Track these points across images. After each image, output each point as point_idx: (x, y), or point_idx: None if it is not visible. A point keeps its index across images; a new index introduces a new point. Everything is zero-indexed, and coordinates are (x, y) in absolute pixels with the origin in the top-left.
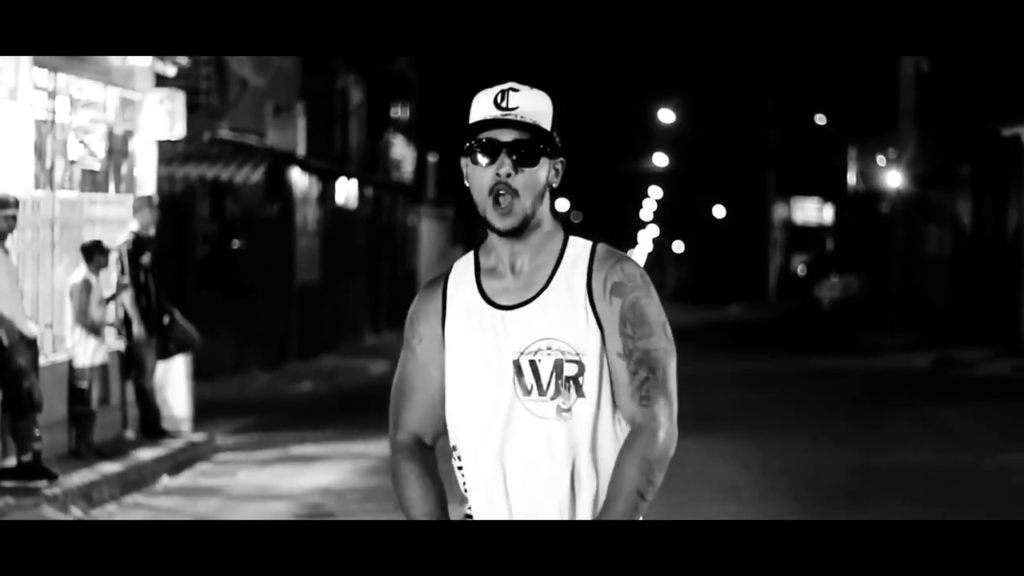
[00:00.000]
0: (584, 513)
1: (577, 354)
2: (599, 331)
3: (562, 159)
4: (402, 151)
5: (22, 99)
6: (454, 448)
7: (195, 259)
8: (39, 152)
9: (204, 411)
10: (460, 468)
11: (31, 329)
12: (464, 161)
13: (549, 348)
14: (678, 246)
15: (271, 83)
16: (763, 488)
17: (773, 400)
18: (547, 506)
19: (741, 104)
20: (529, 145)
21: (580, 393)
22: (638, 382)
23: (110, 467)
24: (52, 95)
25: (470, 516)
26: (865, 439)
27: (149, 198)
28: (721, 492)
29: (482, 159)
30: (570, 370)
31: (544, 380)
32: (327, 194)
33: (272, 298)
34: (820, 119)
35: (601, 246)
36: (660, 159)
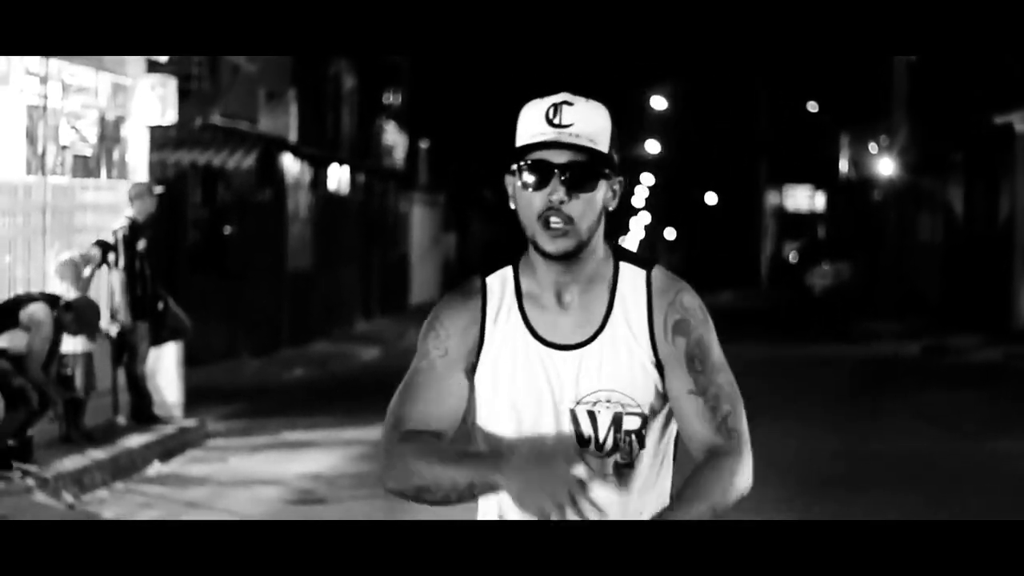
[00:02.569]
0: None
1: (638, 405)
2: (657, 373)
3: (620, 179)
4: (394, 137)
5: (13, 84)
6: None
7: (187, 245)
8: (31, 137)
9: (195, 397)
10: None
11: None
12: (509, 180)
13: (609, 400)
14: (670, 233)
15: (263, 69)
16: (754, 475)
17: (764, 387)
18: None
19: (733, 91)
20: (585, 168)
21: (643, 444)
22: (720, 417)
23: (101, 453)
24: (44, 80)
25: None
26: (857, 426)
27: (149, 186)
28: None
29: (531, 181)
30: (631, 423)
31: (602, 433)
32: (319, 180)
33: (264, 284)
34: (812, 106)
35: (657, 273)
36: (652, 146)
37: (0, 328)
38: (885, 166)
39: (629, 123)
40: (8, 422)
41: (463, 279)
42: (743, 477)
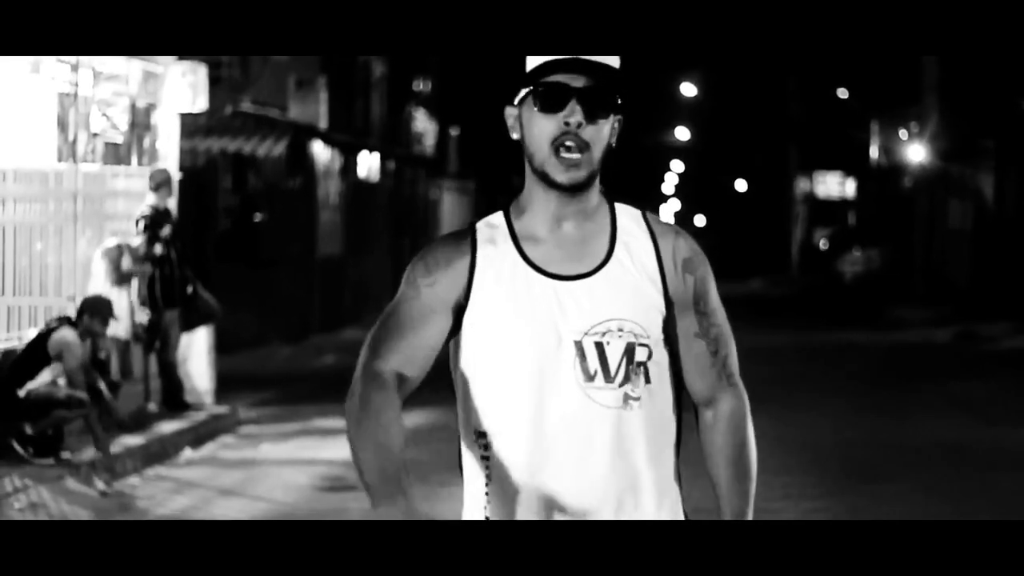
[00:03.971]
0: (648, 510)
1: (648, 336)
2: (665, 310)
3: (621, 117)
4: (424, 124)
5: (45, 72)
6: (481, 435)
7: (217, 232)
8: (62, 125)
9: (226, 384)
10: (486, 458)
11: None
12: (511, 111)
13: (620, 329)
14: (700, 220)
15: (293, 57)
16: (784, 463)
17: (795, 374)
18: (602, 505)
19: (763, 78)
20: (603, 93)
21: (648, 379)
22: (720, 361)
23: (133, 440)
24: (75, 68)
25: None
26: (887, 414)
27: (169, 173)
28: None
29: (547, 106)
30: (641, 354)
31: (612, 365)
32: (349, 167)
33: (294, 271)
34: (842, 92)
35: (649, 214)
36: (682, 133)
37: (37, 366)
38: (916, 152)
39: (659, 110)
40: (59, 419)
41: None
42: (752, 431)
